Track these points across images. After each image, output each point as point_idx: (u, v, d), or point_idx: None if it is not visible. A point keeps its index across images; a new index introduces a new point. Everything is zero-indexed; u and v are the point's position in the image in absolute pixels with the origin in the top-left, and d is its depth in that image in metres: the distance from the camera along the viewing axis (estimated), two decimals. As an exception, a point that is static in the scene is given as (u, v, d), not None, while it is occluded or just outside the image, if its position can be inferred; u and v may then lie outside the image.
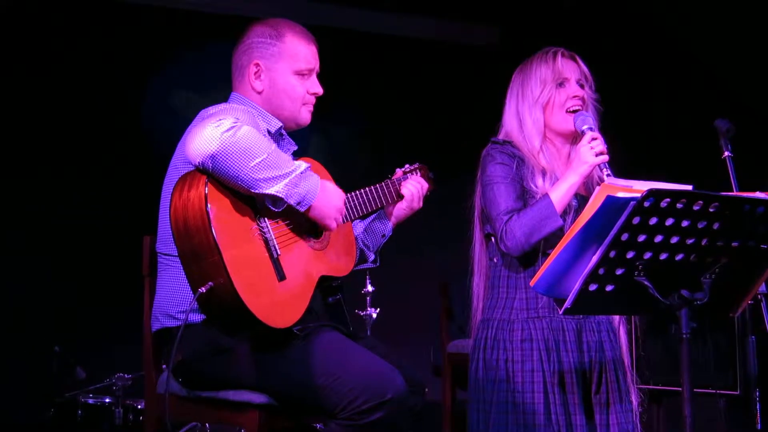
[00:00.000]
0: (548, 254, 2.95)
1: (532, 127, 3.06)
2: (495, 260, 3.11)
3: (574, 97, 3.06)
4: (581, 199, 3.05)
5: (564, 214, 2.96)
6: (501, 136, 3.13)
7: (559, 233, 2.94)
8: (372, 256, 3.10)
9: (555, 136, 3.11)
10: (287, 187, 2.51)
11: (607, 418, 2.97)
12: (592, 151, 2.92)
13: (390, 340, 3.22)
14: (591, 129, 2.99)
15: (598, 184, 3.03)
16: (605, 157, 2.93)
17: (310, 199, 2.58)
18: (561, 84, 3.07)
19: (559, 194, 2.94)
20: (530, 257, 3.02)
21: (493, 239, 3.08)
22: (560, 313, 2.37)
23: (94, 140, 5.02)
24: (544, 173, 3.03)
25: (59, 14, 4.97)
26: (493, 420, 2.96)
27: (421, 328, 5.33)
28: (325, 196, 2.63)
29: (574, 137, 3.09)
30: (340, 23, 5.66)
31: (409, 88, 5.88)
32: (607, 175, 2.90)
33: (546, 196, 2.94)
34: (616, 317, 3.10)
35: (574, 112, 3.06)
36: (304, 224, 2.70)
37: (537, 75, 3.08)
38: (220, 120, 2.46)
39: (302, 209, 2.59)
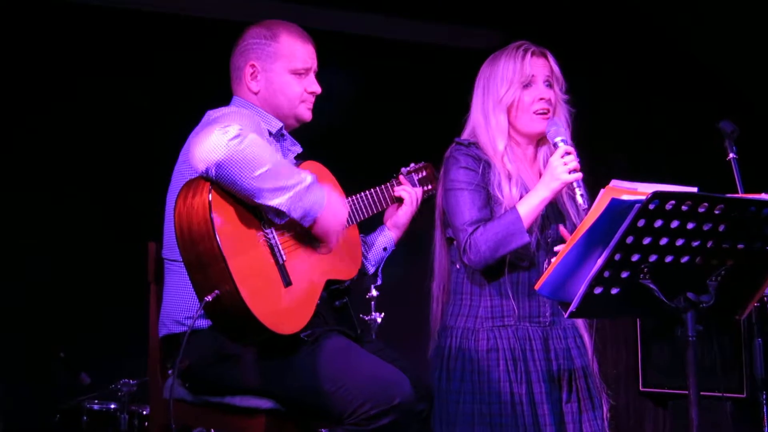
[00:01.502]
0: (517, 264, 2.90)
1: (495, 128, 2.94)
2: (458, 266, 3.00)
3: (541, 99, 2.94)
4: (548, 204, 2.91)
5: (529, 229, 2.86)
6: (466, 134, 3.03)
7: (525, 248, 2.85)
8: (371, 269, 3.03)
9: (520, 137, 3.00)
10: (291, 200, 2.47)
11: (581, 427, 2.90)
12: (565, 167, 2.79)
13: (395, 344, 3.21)
14: (564, 141, 2.85)
15: (569, 194, 2.92)
16: (579, 175, 2.80)
17: (315, 213, 2.53)
18: (527, 84, 2.95)
19: (528, 209, 2.82)
20: (497, 264, 2.90)
21: (455, 243, 2.96)
22: (566, 316, 2.36)
23: (99, 144, 5.02)
24: (509, 177, 2.91)
25: (60, 20, 4.97)
26: None
27: (426, 332, 5.31)
28: (331, 211, 2.58)
29: (540, 138, 2.99)
30: (341, 27, 5.66)
31: (410, 90, 5.87)
32: (581, 195, 2.77)
33: (514, 209, 2.83)
34: (581, 323, 3.02)
35: (542, 114, 2.94)
36: (309, 228, 2.69)
37: (503, 74, 2.96)
38: (227, 127, 2.42)
39: (306, 224, 2.55)
